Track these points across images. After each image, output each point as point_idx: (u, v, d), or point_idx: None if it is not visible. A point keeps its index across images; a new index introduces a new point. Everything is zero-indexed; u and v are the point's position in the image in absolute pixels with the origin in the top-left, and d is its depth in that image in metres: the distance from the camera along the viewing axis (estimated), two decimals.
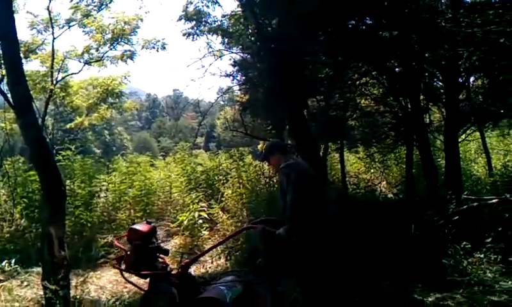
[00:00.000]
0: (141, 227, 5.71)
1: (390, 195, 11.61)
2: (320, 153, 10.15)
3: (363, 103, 11.47)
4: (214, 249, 8.39)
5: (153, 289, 5.35)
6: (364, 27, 9.33)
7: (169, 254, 6.45)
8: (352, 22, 9.27)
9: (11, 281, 7.53)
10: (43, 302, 5.84)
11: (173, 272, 5.56)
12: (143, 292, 5.59)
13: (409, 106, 9.56)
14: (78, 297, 5.85)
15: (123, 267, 5.62)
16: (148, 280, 5.60)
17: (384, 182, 13.02)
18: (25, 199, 10.12)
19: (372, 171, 13.69)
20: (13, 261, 8.32)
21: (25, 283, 7.51)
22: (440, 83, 9.86)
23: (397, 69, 10.03)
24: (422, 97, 9.74)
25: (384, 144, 11.14)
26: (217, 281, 5.47)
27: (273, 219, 5.72)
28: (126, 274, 5.65)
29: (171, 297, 5.11)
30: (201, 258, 8.44)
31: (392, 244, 6.71)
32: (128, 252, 5.55)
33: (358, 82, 10.37)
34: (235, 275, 5.64)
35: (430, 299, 5.68)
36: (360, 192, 10.82)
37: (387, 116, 10.86)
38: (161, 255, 5.71)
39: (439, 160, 11.59)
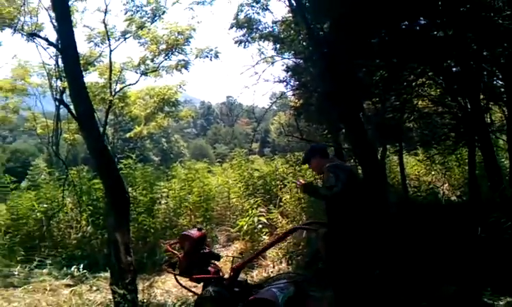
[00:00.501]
0: (192, 233, 5.98)
1: (453, 197, 11.33)
2: (379, 156, 10.00)
3: (420, 104, 11.23)
4: (275, 254, 8.53)
5: (205, 293, 5.50)
6: (418, 27, 9.17)
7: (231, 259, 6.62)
8: (406, 22, 9.13)
9: (80, 285, 7.84)
10: (112, 305, 6.04)
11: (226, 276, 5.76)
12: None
13: (469, 106, 9.32)
14: (145, 300, 6.01)
15: (176, 271, 5.93)
16: (201, 284, 5.84)
17: (446, 184, 12.69)
18: (90, 207, 10.50)
19: (432, 173, 13.38)
20: (81, 266, 8.68)
21: (94, 288, 7.79)
22: (500, 82, 9.57)
23: (454, 69, 9.79)
24: (481, 96, 9.48)
25: (444, 146, 10.88)
26: (270, 284, 5.54)
27: (321, 221, 5.81)
28: (182, 279, 5.95)
29: (223, 301, 5.29)
30: (263, 263, 8.55)
31: (458, 247, 6.55)
32: (181, 258, 5.82)
33: (414, 83, 10.15)
34: (287, 278, 5.75)
35: (501, 303, 5.52)
36: (422, 195, 10.61)
37: (446, 117, 10.59)
38: (214, 260, 5.95)
39: (503, 160, 11.22)
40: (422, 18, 9.01)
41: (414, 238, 6.96)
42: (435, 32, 9.07)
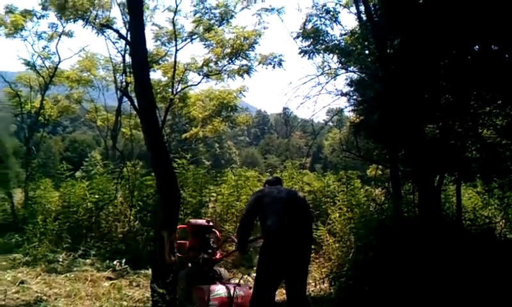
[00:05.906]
0: (195, 221, 6.75)
1: (510, 235, 10.76)
2: (435, 184, 9.59)
3: (484, 133, 10.74)
4: (318, 273, 8.32)
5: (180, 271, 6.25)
6: (489, 52, 8.76)
7: None
8: (477, 47, 8.74)
9: (120, 279, 7.95)
10: (150, 304, 6.00)
11: None
12: None
13: None
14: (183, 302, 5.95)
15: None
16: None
17: (504, 221, 12.06)
18: (140, 203, 10.55)
19: (489, 207, 12.76)
20: (123, 260, 8.75)
21: (134, 283, 7.87)
22: None
23: None
24: None
25: (505, 180, 10.34)
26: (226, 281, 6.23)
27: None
28: None
29: (185, 280, 6.00)
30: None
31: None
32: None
33: (480, 111, 9.71)
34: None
35: None
36: (477, 229, 10.11)
37: (511, 149, 10.07)
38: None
39: None
40: (494, 45, 8.59)
41: (466, 273, 6.60)
42: (507, 58, 8.63)
